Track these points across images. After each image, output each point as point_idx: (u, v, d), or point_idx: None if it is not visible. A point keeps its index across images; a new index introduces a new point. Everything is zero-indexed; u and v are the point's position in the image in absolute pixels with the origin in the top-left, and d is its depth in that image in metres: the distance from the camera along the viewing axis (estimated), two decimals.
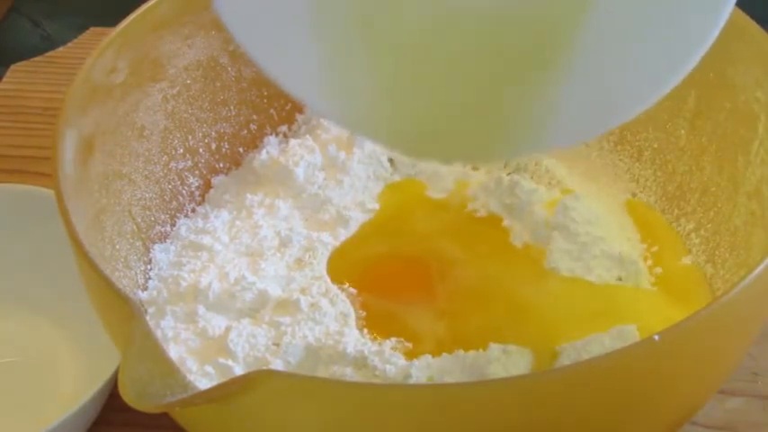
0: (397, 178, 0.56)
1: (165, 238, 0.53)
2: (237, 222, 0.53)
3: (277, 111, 0.59)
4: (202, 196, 0.56)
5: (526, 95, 0.36)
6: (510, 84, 0.36)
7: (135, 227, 0.50)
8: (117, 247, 0.48)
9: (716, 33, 0.35)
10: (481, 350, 0.44)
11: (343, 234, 0.52)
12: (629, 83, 0.36)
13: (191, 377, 0.42)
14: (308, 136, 0.57)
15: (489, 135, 0.37)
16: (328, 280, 0.49)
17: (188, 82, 0.54)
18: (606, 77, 0.36)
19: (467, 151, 0.39)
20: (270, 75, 0.36)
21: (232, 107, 0.57)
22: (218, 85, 0.56)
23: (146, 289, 0.49)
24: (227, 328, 0.46)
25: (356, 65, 0.36)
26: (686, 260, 0.51)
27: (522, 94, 0.36)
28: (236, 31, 0.36)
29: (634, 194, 0.55)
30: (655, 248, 0.52)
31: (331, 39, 0.36)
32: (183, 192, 0.55)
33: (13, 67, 0.75)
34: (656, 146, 0.55)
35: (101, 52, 0.48)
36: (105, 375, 0.46)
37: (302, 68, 0.36)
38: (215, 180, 0.57)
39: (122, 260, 0.48)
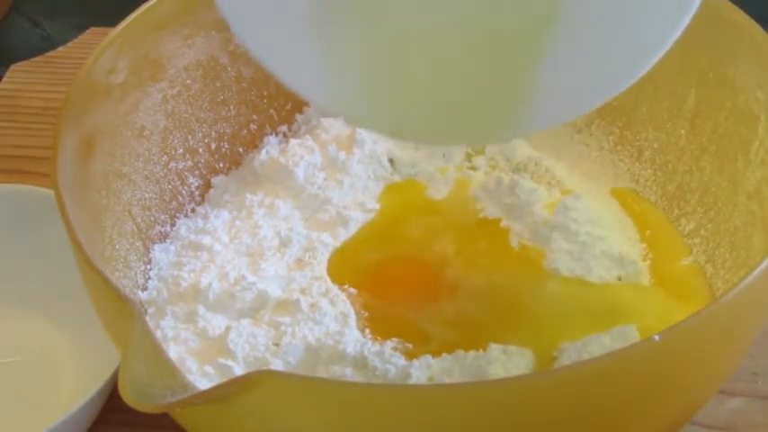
0: (397, 178, 0.56)
1: (165, 238, 0.53)
2: (237, 222, 0.53)
3: (277, 111, 0.59)
4: (202, 196, 0.56)
5: (504, 81, 0.39)
6: (494, 71, 0.38)
7: (135, 227, 0.50)
8: (117, 247, 0.48)
9: (676, 35, 0.38)
10: (481, 350, 0.44)
11: (343, 234, 0.52)
12: (605, 67, 0.39)
13: (191, 377, 0.42)
14: (308, 136, 0.57)
15: (477, 120, 0.40)
16: (328, 280, 0.49)
17: (188, 82, 0.54)
18: (583, 63, 0.39)
19: (458, 135, 0.42)
20: (268, 68, 0.37)
21: (232, 107, 0.57)
22: (218, 85, 0.56)
23: (146, 289, 0.49)
24: (227, 329, 0.46)
25: (350, 55, 0.38)
26: (686, 260, 0.51)
27: (501, 80, 0.39)
28: (235, 24, 0.36)
29: (635, 194, 0.56)
30: (655, 248, 0.52)
31: (326, 30, 0.37)
32: (183, 192, 0.55)
33: (13, 67, 0.75)
34: (656, 146, 0.55)
35: (101, 52, 0.48)
36: (105, 375, 0.46)
37: (299, 61, 0.37)
38: (215, 180, 0.57)
39: (122, 260, 0.48)
